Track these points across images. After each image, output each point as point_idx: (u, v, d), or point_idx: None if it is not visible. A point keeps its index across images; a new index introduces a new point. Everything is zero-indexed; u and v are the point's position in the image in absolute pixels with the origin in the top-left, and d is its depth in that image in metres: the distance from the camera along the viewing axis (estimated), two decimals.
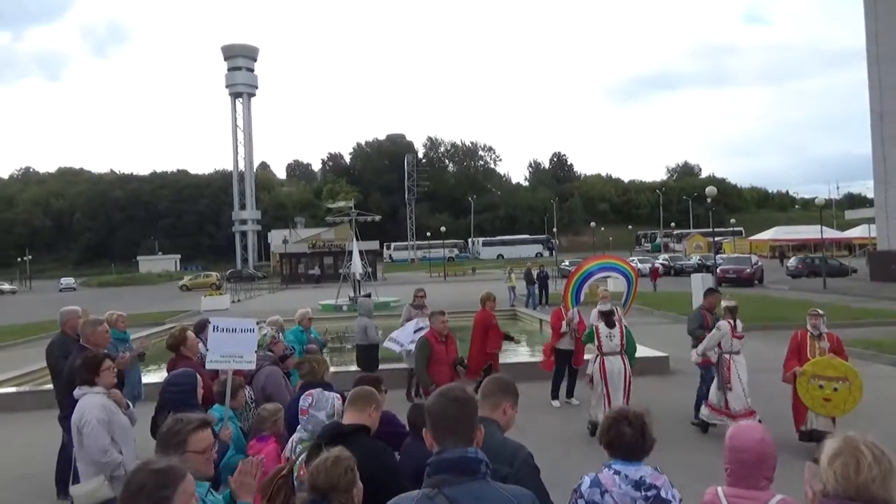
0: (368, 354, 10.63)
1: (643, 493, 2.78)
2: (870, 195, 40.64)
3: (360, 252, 31.39)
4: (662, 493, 2.77)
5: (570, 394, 10.12)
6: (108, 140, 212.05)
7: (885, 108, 32.80)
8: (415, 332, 9.64)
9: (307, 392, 3.95)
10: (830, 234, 59.07)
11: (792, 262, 43.10)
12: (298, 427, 3.84)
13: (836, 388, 6.87)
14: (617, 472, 2.86)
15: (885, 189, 33.20)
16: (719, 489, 2.83)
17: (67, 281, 70.68)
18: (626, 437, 2.87)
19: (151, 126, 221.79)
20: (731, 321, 8.06)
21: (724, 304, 8.43)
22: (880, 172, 33.66)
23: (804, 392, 7.00)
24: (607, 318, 8.39)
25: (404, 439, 4.04)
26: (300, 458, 3.48)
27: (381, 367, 10.86)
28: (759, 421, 8.23)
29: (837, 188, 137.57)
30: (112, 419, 4.53)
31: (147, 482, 2.21)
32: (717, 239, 42.42)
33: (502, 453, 2.72)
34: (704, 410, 8.12)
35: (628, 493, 2.79)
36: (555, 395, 9.96)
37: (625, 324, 8.59)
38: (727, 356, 7.93)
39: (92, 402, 4.47)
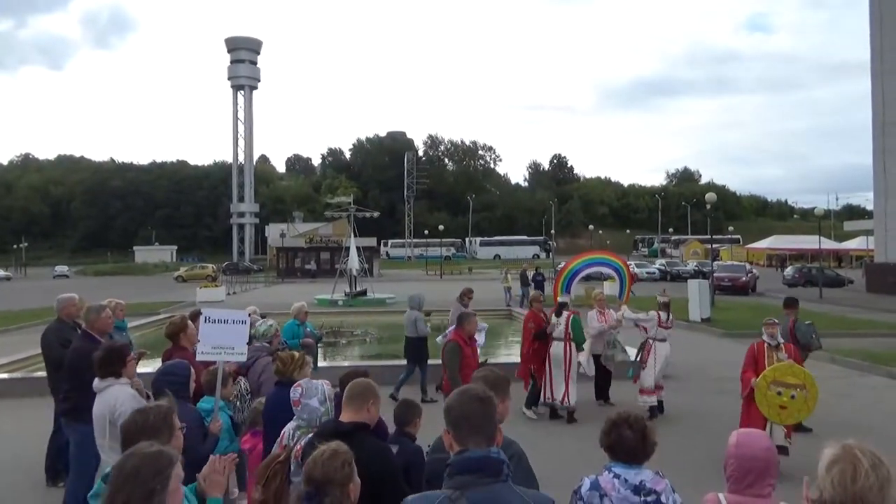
0: (417, 346, 10.86)
1: (642, 499, 2.74)
2: (869, 207, 40.76)
3: (358, 248, 31.35)
4: (663, 499, 2.74)
5: (602, 395, 10.26)
6: (109, 129, 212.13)
7: (888, 120, 32.84)
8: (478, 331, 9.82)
9: (296, 384, 3.92)
10: (828, 244, 59.16)
11: (789, 271, 43.13)
12: (294, 417, 3.82)
13: (794, 396, 6.71)
14: (616, 476, 2.83)
15: (885, 201, 33.24)
16: (721, 496, 2.80)
17: (61, 269, 71.53)
18: (627, 441, 2.84)
19: (152, 116, 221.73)
20: (664, 313, 9.70)
21: (659, 299, 10.11)
22: (881, 184, 33.71)
23: (761, 398, 6.77)
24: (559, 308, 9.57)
25: (386, 438, 4.01)
26: (296, 446, 3.45)
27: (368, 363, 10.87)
28: (661, 400, 9.44)
29: (837, 199, 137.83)
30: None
31: (142, 466, 2.22)
32: (714, 246, 42.43)
33: None
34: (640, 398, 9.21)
35: (627, 497, 2.75)
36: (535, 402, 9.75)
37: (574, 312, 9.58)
38: (650, 341, 9.56)
39: (124, 393, 4.50)
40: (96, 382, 4.73)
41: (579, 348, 9.40)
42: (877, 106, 33.72)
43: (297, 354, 4.84)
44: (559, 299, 10.21)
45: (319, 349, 13.51)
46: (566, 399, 9.12)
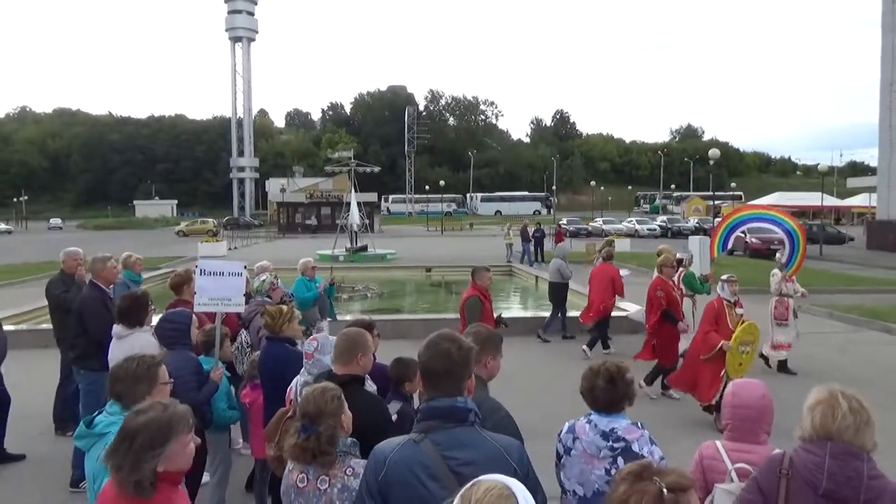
0: (559, 291, 12.10)
1: (609, 444, 2.82)
2: (873, 164, 40.34)
3: (358, 203, 31.27)
4: (634, 448, 2.78)
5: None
6: (106, 82, 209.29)
7: None
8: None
9: (312, 337, 3.95)
10: (831, 201, 58.92)
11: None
12: (302, 370, 3.85)
13: (747, 352, 7.24)
14: (589, 422, 2.93)
15: (890, 157, 32.99)
16: (718, 443, 2.89)
17: (55, 221, 75.48)
18: (598, 390, 2.93)
19: (149, 69, 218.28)
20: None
21: (779, 257, 10.42)
22: (886, 140, 33.40)
23: (731, 360, 7.10)
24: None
25: (388, 386, 4.06)
26: None
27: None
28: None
29: (841, 156, 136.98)
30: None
31: (143, 429, 2.30)
32: (716, 203, 42.26)
33: (480, 411, 2.71)
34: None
35: (595, 441, 2.85)
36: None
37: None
38: (787, 298, 9.79)
39: (148, 341, 4.61)
40: (119, 329, 4.77)
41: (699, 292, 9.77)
42: (885, 61, 33.15)
43: (284, 308, 4.84)
44: (678, 255, 10.20)
45: (351, 300, 14.38)
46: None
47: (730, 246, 10.23)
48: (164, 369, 3.19)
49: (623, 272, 11.48)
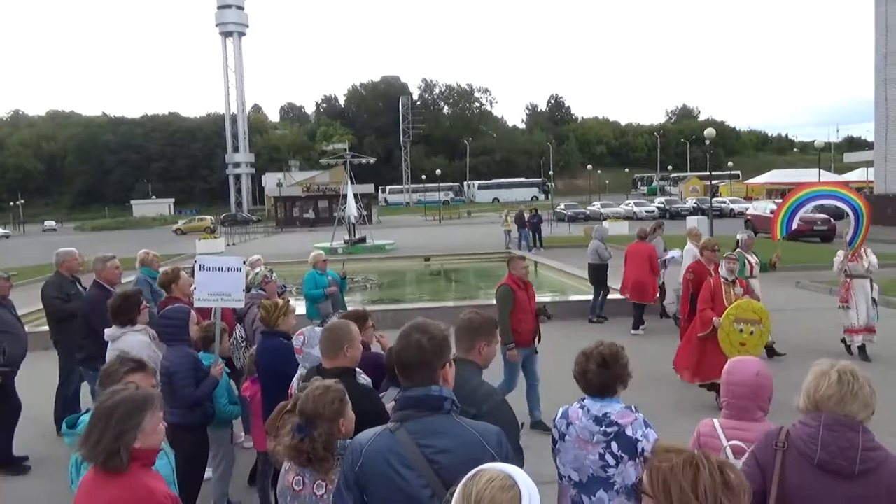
0: (598, 272, 12.31)
1: (602, 429, 2.80)
2: (870, 138, 40.30)
3: (355, 195, 31.21)
4: (628, 432, 2.77)
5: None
6: (99, 83, 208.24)
7: (890, 49, 32.18)
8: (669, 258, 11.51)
9: (299, 332, 3.94)
10: (828, 177, 58.83)
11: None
12: (299, 366, 3.86)
13: (753, 332, 6.91)
14: (582, 406, 2.91)
15: (886, 131, 32.90)
16: (715, 421, 2.89)
17: (49, 223, 77.73)
18: (590, 375, 2.90)
19: (142, 68, 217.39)
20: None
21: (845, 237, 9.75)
22: (881, 114, 33.30)
23: (724, 337, 6.90)
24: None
25: (383, 373, 4.05)
26: None
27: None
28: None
29: (837, 131, 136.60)
30: (156, 356, 4.68)
31: (118, 406, 2.38)
32: (713, 182, 42.22)
33: (474, 398, 2.72)
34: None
35: (588, 426, 2.83)
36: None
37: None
38: (847, 279, 9.29)
39: (140, 341, 4.61)
40: (111, 331, 4.76)
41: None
42: (880, 32, 32.98)
43: (280, 302, 4.84)
44: (738, 235, 10.21)
45: (351, 291, 14.20)
46: None
47: (794, 227, 9.77)
48: (149, 373, 3.22)
49: (672, 254, 11.46)
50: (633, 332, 10.86)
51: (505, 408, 2.79)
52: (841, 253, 9.54)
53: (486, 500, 1.52)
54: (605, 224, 36.66)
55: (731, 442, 2.78)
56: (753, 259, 9.64)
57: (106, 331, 4.88)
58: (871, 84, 34.07)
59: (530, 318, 6.86)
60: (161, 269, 7.20)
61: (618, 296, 12.02)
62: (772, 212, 15.07)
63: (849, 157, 58.28)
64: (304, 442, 2.62)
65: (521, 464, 2.75)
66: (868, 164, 41.33)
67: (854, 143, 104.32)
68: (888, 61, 32.39)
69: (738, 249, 9.20)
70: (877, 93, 33.52)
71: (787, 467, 2.30)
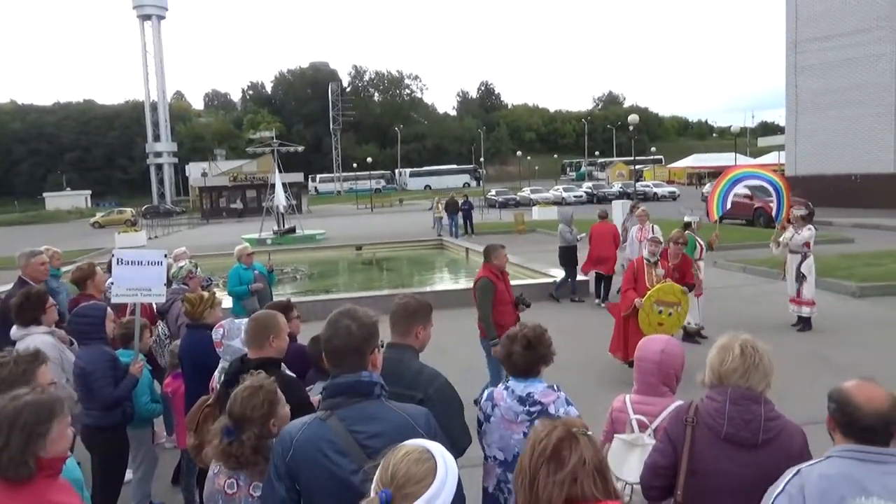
0: (565, 254, 12.64)
1: (526, 408, 2.86)
2: (782, 123, 42.26)
3: (284, 184, 30.61)
4: (551, 410, 2.83)
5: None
6: (5, 68, 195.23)
7: (800, 38, 33.88)
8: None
9: (218, 324, 3.84)
10: (744, 160, 61.62)
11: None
12: (220, 359, 3.75)
13: (671, 314, 7.22)
14: (507, 388, 2.96)
15: (796, 117, 34.68)
16: (627, 397, 3.01)
17: None
18: (514, 356, 2.96)
19: (54, 53, 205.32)
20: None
21: (794, 212, 9.75)
22: (792, 100, 35.03)
23: (644, 317, 7.16)
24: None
25: (309, 365, 4.00)
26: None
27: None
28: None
29: (753, 117, 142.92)
30: (63, 357, 4.45)
31: (22, 411, 2.20)
32: (637, 167, 43.54)
33: (418, 381, 2.73)
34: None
35: (512, 407, 2.89)
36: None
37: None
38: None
39: (44, 342, 4.29)
40: (14, 331, 4.50)
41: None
42: (790, 21, 34.64)
43: (206, 295, 4.69)
44: (686, 218, 10.74)
45: (280, 283, 13.69)
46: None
47: (728, 206, 10.34)
48: (44, 369, 3.03)
49: (690, 218, 11.09)
50: (597, 302, 11.68)
51: (449, 390, 2.81)
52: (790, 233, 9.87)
53: (401, 472, 1.60)
54: (535, 210, 37.30)
55: (636, 416, 2.89)
56: (702, 242, 9.96)
57: (12, 331, 4.62)
58: (782, 72, 35.77)
59: (510, 308, 6.54)
60: (76, 265, 6.83)
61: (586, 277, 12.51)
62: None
63: (763, 142, 61.11)
64: (232, 445, 2.53)
65: (468, 442, 2.79)
66: (780, 147, 43.47)
67: (768, 128, 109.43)
68: (797, 49, 34.10)
69: (688, 231, 9.43)
70: (787, 79, 35.22)
71: (696, 441, 2.41)
